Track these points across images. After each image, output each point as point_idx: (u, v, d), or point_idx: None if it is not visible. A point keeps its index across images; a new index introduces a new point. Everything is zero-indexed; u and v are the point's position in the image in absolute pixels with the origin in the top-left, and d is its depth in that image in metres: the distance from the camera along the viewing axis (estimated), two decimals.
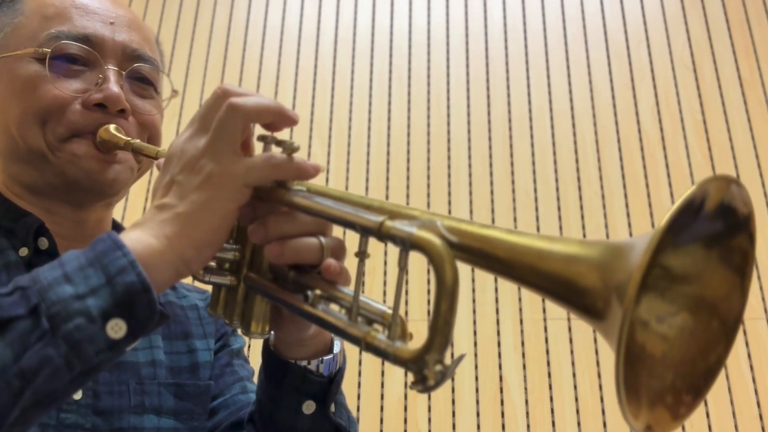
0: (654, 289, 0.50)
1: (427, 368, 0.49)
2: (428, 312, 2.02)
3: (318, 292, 0.59)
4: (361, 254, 0.56)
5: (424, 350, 0.49)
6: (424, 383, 0.49)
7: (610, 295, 0.45)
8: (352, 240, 0.58)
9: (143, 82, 0.86)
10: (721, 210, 0.47)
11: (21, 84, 0.80)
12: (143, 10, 2.54)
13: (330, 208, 0.58)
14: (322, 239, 0.62)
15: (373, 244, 0.55)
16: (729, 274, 0.50)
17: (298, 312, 0.61)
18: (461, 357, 0.51)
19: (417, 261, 2.09)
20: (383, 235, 0.53)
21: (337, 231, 0.64)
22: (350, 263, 0.63)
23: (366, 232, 0.54)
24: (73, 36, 0.81)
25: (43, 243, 0.79)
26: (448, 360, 0.50)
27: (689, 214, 0.45)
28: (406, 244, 0.51)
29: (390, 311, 0.55)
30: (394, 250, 2.15)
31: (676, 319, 0.50)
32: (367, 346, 0.53)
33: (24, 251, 0.78)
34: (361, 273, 0.56)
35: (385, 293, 2.06)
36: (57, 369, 0.50)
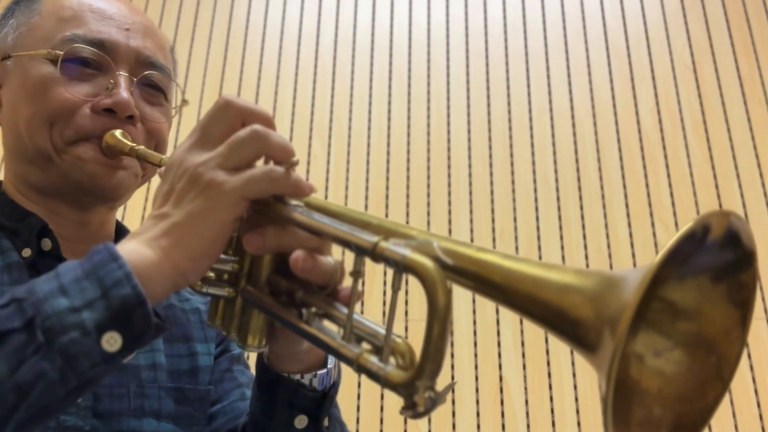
0: (652, 322, 0.49)
1: (417, 394, 0.49)
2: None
3: (313, 309, 0.59)
4: (356, 273, 0.55)
5: (414, 376, 0.49)
6: (414, 409, 0.49)
7: (602, 327, 0.44)
8: (349, 256, 0.58)
9: (154, 89, 0.86)
10: (724, 244, 0.46)
11: (32, 84, 0.80)
12: (143, 10, 2.53)
13: (326, 225, 0.57)
14: (333, 261, 0.62)
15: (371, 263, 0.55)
16: (731, 310, 0.49)
17: (294, 329, 0.60)
18: (452, 385, 0.51)
19: (418, 290, 2.08)
20: (377, 256, 0.52)
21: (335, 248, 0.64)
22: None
23: (361, 252, 0.54)
24: (87, 40, 0.81)
25: (46, 244, 0.79)
26: (440, 386, 0.49)
27: (689, 247, 0.45)
28: (400, 266, 0.50)
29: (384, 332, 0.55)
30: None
31: (674, 354, 0.49)
32: (359, 368, 0.53)
33: (27, 252, 0.78)
34: (355, 293, 0.56)
35: (384, 313, 2.06)
36: (52, 383, 0.50)
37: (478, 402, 1.94)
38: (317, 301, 0.60)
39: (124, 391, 0.77)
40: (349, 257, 0.55)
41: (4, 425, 0.49)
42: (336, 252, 0.62)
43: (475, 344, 2.01)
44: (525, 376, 1.97)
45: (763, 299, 2.05)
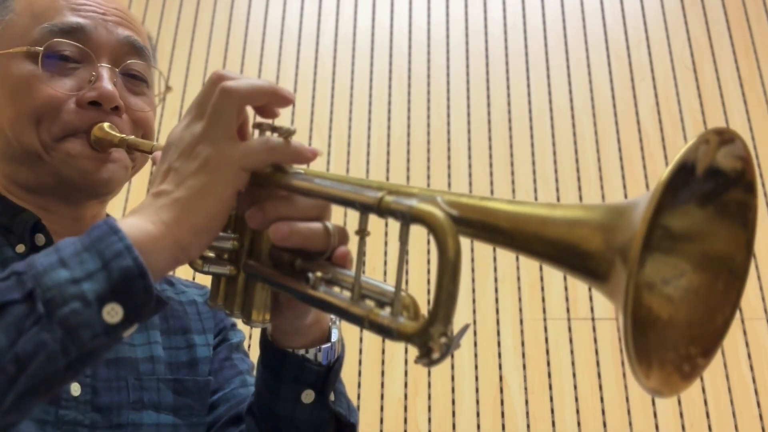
0: (658, 250, 0.49)
1: (431, 341, 0.49)
2: (428, 302, 2.02)
3: (319, 274, 0.59)
4: (362, 232, 0.55)
5: (428, 323, 0.49)
6: (429, 356, 0.49)
7: (613, 256, 0.44)
8: (351, 222, 0.58)
9: (136, 79, 0.86)
10: (716, 166, 0.47)
11: (14, 83, 0.79)
12: (143, 10, 2.54)
13: (329, 187, 0.57)
14: (329, 225, 0.61)
15: (373, 225, 0.54)
16: (732, 228, 0.49)
17: (301, 296, 0.60)
18: (466, 327, 0.51)
19: (417, 252, 2.09)
20: (383, 210, 0.52)
21: (335, 215, 0.63)
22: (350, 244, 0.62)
23: (366, 208, 0.54)
24: (65, 33, 0.80)
25: (40, 239, 0.79)
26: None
27: (686, 171, 0.45)
28: (407, 217, 0.50)
29: (393, 290, 0.54)
30: (394, 229, 2.15)
31: (682, 281, 0.49)
32: (370, 324, 0.53)
33: (21, 248, 0.78)
34: (361, 251, 0.55)
35: (385, 273, 2.07)
36: (52, 354, 0.50)
37: (478, 402, 1.94)
38: (317, 266, 0.60)
39: (122, 384, 0.77)
40: (352, 221, 0.55)
41: (4, 397, 0.49)
42: (338, 219, 0.62)
43: (475, 344, 2.01)
44: (525, 376, 1.97)
45: (763, 299, 2.05)
